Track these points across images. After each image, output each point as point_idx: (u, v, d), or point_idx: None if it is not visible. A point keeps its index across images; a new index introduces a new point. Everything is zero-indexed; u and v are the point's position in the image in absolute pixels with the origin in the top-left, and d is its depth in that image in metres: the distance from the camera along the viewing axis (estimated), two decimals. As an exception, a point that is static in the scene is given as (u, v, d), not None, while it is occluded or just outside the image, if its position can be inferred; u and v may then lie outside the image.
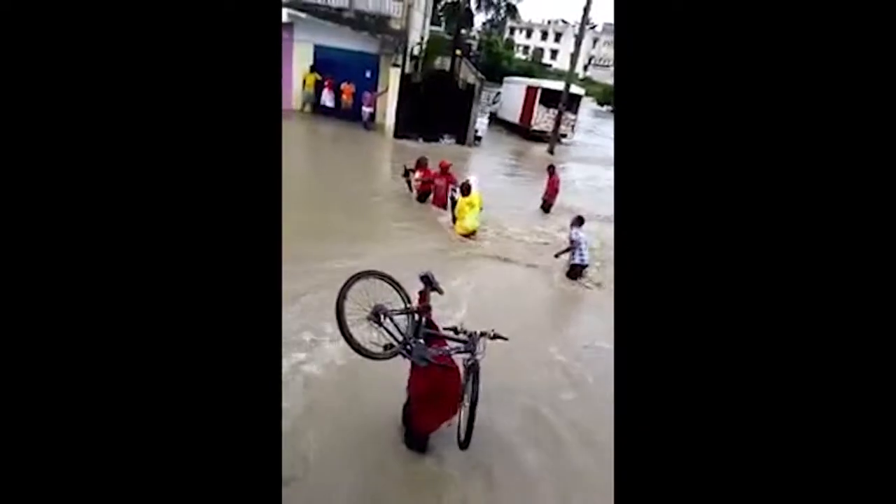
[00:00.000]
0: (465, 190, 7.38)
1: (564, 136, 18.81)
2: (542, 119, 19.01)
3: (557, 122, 17.35)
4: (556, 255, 6.70)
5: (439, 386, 2.83)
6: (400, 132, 14.37)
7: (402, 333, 2.74)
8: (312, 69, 14.62)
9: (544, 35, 58.54)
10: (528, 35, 58.38)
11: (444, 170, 8.24)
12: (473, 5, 21.25)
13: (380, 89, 14.74)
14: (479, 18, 27.98)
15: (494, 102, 23.40)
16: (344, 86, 14.78)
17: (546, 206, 9.47)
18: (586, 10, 16.48)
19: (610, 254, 6.91)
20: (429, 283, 3.01)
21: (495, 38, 40.79)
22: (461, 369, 2.92)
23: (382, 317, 2.64)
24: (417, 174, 8.39)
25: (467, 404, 2.88)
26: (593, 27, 46.01)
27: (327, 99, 14.79)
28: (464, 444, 2.96)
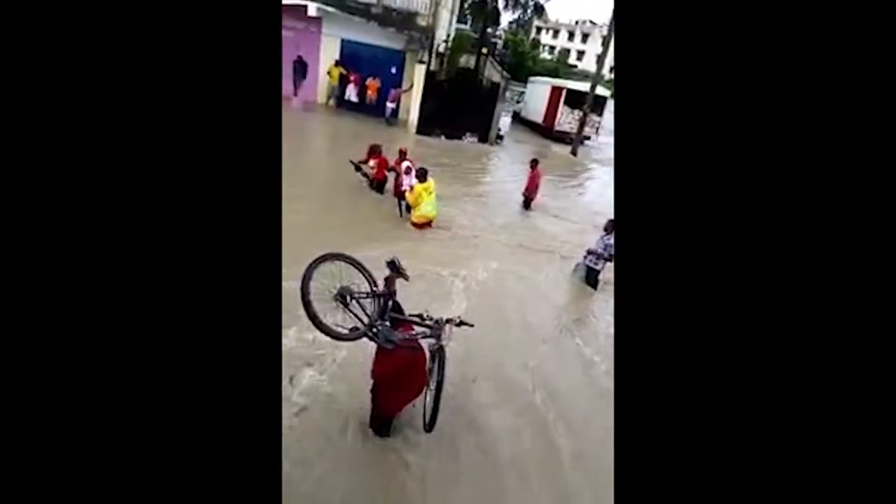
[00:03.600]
0: (422, 176, 7.02)
1: (588, 137, 18.61)
2: (567, 120, 18.84)
3: (582, 124, 17.18)
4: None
5: (403, 368, 2.86)
6: (422, 129, 14.40)
7: (368, 316, 2.75)
8: (337, 63, 14.73)
9: (571, 35, 57.93)
10: (555, 35, 57.87)
11: (402, 156, 7.69)
12: (501, 4, 21.11)
13: (404, 86, 14.78)
14: (506, 17, 27.82)
15: (518, 102, 23.27)
16: (369, 81, 14.86)
17: (527, 203, 9.18)
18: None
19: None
20: (395, 268, 3.01)
21: (521, 37, 40.56)
22: (427, 354, 2.98)
23: (348, 298, 2.66)
24: (371, 162, 7.83)
25: (433, 388, 2.96)
26: (622, 29, 45.25)
27: (352, 93, 14.88)
28: (429, 427, 3.04)
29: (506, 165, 12.81)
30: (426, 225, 7.13)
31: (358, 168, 7.98)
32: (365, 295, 2.80)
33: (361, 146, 8.07)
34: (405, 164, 7.49)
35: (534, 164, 9.01)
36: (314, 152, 10.72)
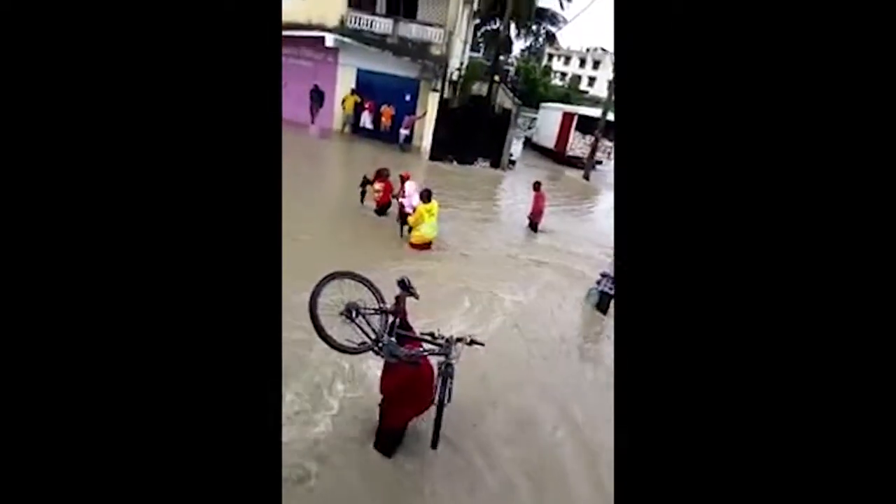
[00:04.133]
0: (426, 197, 6.99)
1: (600, 162, 18.72)
2: (578, 145, 19.01)
3: (593, 149, 17.31)
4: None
5: (409, 382, 2.94)
6: (435, 154, 14.65)
7: (374, 332, 2.85)
8: (353, 92, 15.15)
9: (582, 62, 58.80)
10: (567, 62, 58.76)
11: (403, 181, 7.74)
12: (513, 33, 21.60)
13: (418, 113, 15.11)
14: (518, 45, 28.41)
15: (530, 128, 23.55)
16: (384, 108, 15.24)
17: (533, 226, 9.15)
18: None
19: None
20: (405, 287, 3.14)
21: (533, 64, 41.27)
22: (435, 371, 3.03)
23: (355, 313, 2.76)
24: (377, 185, 7.89)
25: (439, 403, 3.01)
26: (632, 55, 45.83)
27: (367, 120, 15.27)
28: (433, 443, 3.12)
29: (516, 189, 12.88)
30: (425, 246, 7.07)
31: (364, 184, 8.09)
32: (372, 311, 2.90)
33: (375, 170, 8.19)
34: (407, 186, 7.57)
35: (537, 186, 9.06)
36: (328, 177, 10.98)
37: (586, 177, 17.14)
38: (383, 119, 15.31)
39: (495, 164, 15.28)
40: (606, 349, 5.25)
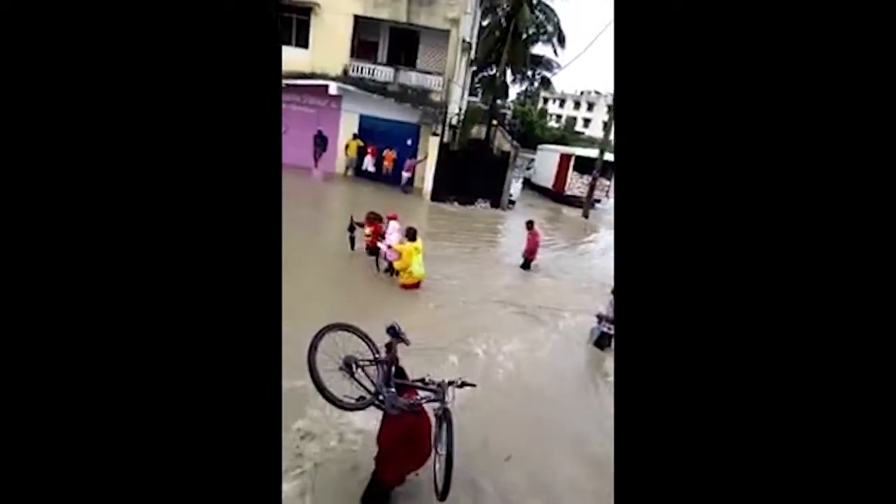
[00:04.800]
0: (412, 235, 7.09)
1: (598, 200, 19.00)
2: (576, 185, 19.37)
3: (591, 188, 17.63)
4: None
5: (408, 434, 2.86)
6: (436, 196, 14.91)
7: (373, 383, 2.80)
8: (356, 136, 15.58)
9: (577, 104, 60.50)
10: (562, 104, 60.46)
11: (388, 221, 7.85)
12: (509, 78, 22.39)
13: (419, 156, 15.48)
14: (514, 89, 29.39)
15: (529, 168, 24.02)
16: (386, 152, 15.61)
17: (527, 263, 9.25)
18: (618, 83, 17.10)
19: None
20: (395, 333, 3.07)
21: (530, 107, 42.49)
22: (432, 419, 2.95)
23: (354, 367, 2.73)
24: (367, 229, 7.97)
25: (442, 453, 2.83)
26: (625, 97, 47.24)
27: (369, 164, 15.61)
28: (442, 495, 2.89)
29: (515, 228, 13.00)
30: (415, 285, 7.14)
31: (352, 228, 8.15)
32: (368, 362, 2.86)
33: (377, 212, 8.26)
34: (390, 225, 7.65)
35: (530, 225, 9.23)
36: (328, 219, 11.09)
37: (585, 215, 17.37)
38: (385, 162, 15.65)
39: (495, 204, 15.52)
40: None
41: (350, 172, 15.83)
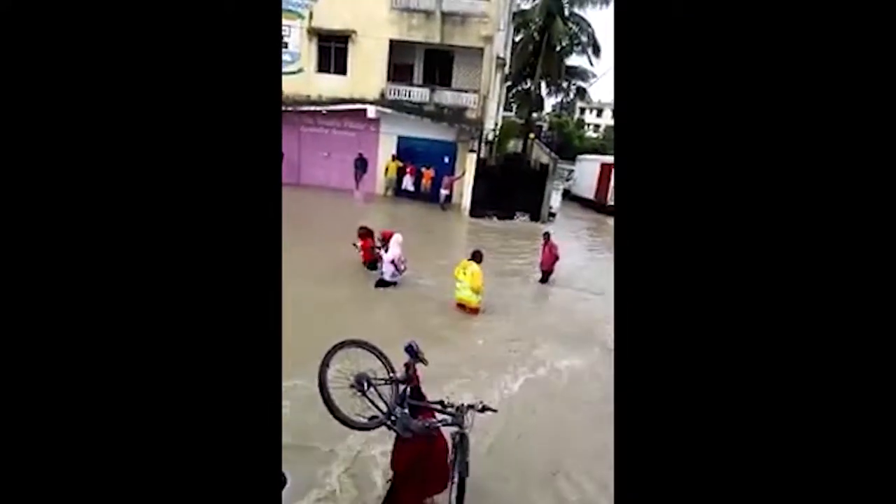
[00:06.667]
0: (479, 258, 6.80)
1: (642, 209, 18.48)
2: (618, 194, 18.95)
3: (634, 197, 17.19)
4: None
5: (424, 459, 2.71)
6: (475, 211, 14.94)
7: (385, 403, 2.65)
8: (394, 157, 15.90)
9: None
10: (599, 114, 59.59)
11: (387, 239, 7.71)
12: (544, 91, 22.33)
13: (457, 173, 15.60)
14: (550, 101, 29.26)
15: (568, 180, 23.74)
16: (424, 171, 15.82)
17: (545, 277, 8.91)
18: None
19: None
20: (413, 353, 2.95)
21: (566, 118, 42.16)
22: (449, 443, 2.81)
23: (366, 385, 2.59)
24: (359, 244, 8.12)
25: (456, 478, 2.71)
26: (666, 103, 46.18)
27: (408, 183, 15.86)
28: None
29: (555, 240, 12.74)
30: (473, 311, 6.78)
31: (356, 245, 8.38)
32: (382, 381, 2.72)
33: (416, 228, 8.29)
34: (392, 240, 7.57)
35: (546, 237, 9.08)
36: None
37: (629, 225, 16.92)
38: (424, 181, 15.85)
39: (535, 217, 15.38)
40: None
41: (390, 192, 16.11)
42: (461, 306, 6.81)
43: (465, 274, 6.67)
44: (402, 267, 7.48)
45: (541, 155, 17.60)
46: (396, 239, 7.47)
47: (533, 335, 6.29)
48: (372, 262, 8.16)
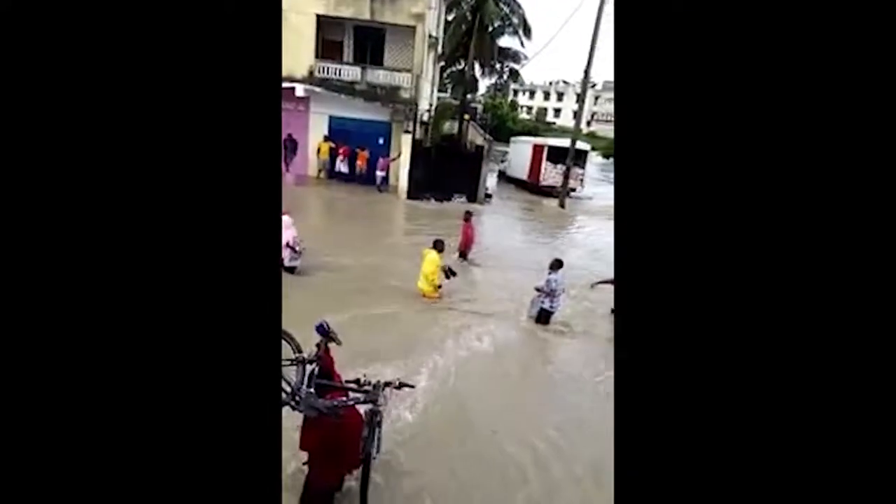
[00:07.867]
0: (440, 247, 7.02)
1: (574, 189, 19.14)
2: (551, 175, 19.46)
3: (566, 177, 17.74)
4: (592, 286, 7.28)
5: (333, 437, 2.71)
6: (412, 193, 14.80)
7: (289, 384, 2.58)
8: (326, 138, 15.34)
9: (546, 95, 60.95)
10: (531, 96, 60.83)
11: None
12: (478, 72, 22.35)
13: (392, 155, 15.32)
14: (484, 83, 29.35)
15: (503, 161, 24.07)
16: (358, 153, 15.41)
17: (463, 254, 9.23)
18: (587, 71, 17.27)
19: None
20: (324, 332, 2.96)
21: (500, 100, 42.58)
22: (363, 419, 2.84)
23: None
24: None
25: (365, 456, 2.79)
26: (594, 85, 47.94)
27: (342, 165, 15.40)
28: (361, 501, 2.86)
29: (490, 222, 12.99)
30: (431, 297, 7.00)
31: None
32: (288, 362, 2.68)
33: (354, 212, 8.15)
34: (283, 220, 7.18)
35: (467, 216, 9.30)
36: (301, 223, 10.89)
37: (562, 204, 17.47)
38: (359, 163, 15.45)
39: (472, 198, 15.49)
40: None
41: (323, 175, 15.59)
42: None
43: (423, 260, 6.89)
44: (299, 248, 7.08)
45: (476, 136, 17.70)
46: (285, 222, 6.82)
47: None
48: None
